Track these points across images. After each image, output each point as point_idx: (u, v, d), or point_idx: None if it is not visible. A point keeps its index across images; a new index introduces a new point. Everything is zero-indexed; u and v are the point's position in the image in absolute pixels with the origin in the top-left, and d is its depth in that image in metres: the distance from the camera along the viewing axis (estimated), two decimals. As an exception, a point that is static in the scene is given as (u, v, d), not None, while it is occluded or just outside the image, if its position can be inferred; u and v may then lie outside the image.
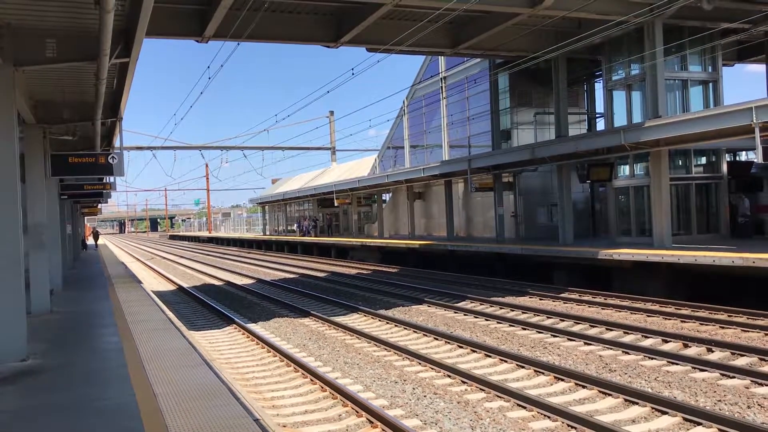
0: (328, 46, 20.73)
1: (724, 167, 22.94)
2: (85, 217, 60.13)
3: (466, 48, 22.49)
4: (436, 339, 12.96)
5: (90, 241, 62.66)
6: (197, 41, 18.73)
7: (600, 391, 8.78)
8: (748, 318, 13.56)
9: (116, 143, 19.29)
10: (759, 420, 7.54)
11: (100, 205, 43.73)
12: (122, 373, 7.59)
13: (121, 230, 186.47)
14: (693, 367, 9.85)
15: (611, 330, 13.11)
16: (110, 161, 12.69)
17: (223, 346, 13.30)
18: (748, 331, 12.46)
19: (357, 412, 8.16)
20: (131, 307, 13.74)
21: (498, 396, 8.74)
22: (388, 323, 15.13)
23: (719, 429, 7.13)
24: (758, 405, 8.05)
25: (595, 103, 29.44)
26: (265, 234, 64.04)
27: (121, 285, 19.29)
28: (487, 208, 30.37)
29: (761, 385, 8.82)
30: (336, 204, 43.72)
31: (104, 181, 20.62)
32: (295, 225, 53.58)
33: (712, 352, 10.94)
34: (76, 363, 8.34)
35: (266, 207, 65.59)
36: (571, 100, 26.95)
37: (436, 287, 21.10)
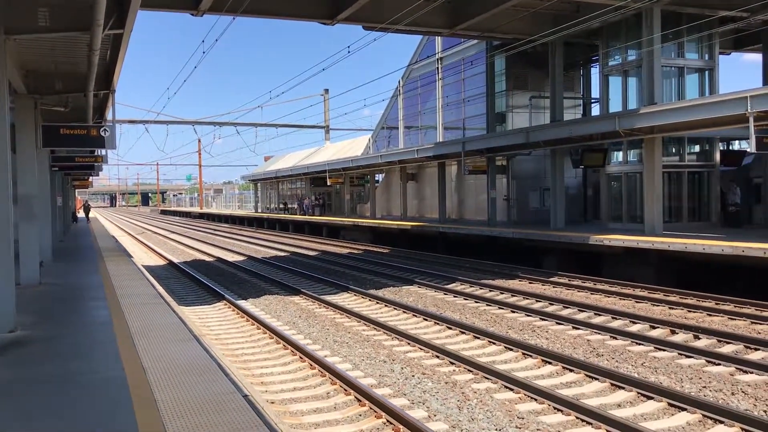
0: (324, 23, 20.57)
1: (717, 156, 23.01)
2: (76, 190, 59.84)
3: (464, 29, 22.35)
4: (426, 320, 13.01)
5: (81, 214, 62.40)
6: (192, 14, 18.54)
7: (587, 375, 8.84)
8: (735, 306, 13.67)
9: (108, 116, 19.14)
10: (743, 407, 7.62)
11: (91, 178, 43.57)
12: (111, 346, 7.58)
13: (112, 204, 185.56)
14: (679, 354, 9.93)
15: (600, 315, 13.19)
16: (102, 134, 12.57)
17: (213, 322, 13.32)
18: (735, 319, 12.56)
19: (345, 390, 8.20)
20: (121, 281, 13.70)
21: (485, 377, 8.79)
22: (378, 303, 15.17)
23: (703, 415, 7.20)
24: (742, 392, 8.13)
25: (591, 88, 29.43)
26: (256, 211, 63.92)
27: (112, 258, 19.23)
28: (480, 191, 30.40)
29: (746, 372, 8.90)
30: (329, 183, 43.62)
31: (96, 153, 20.53)
32: (296, 203, 52.40)
33: (699, 339, 11.03)
34: (64, 335, 8.33)
35: (258, 184, 65.39)
36: (566, 84, 26.91)
37: (426, 268, 21.15)
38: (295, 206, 51.67)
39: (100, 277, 14.48)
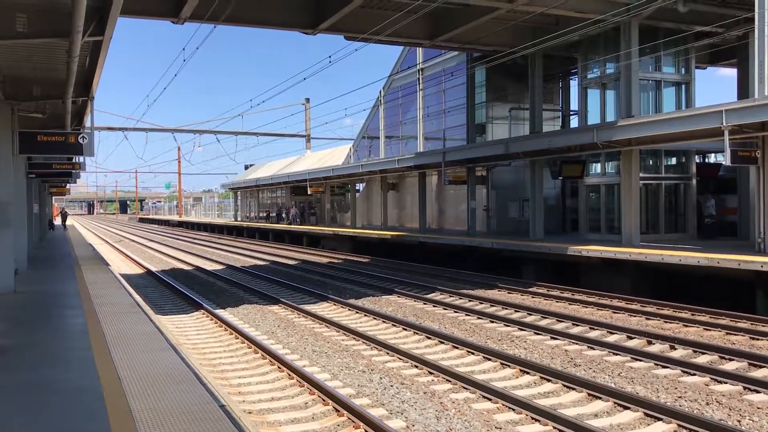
0: (306, 33, 20.60)
1: (694, 168, 23.32)
2: (53, 197, 59.15)
3: (444, 40, 22.50)
4: (405, 329, 13.01)
5: (58, 221, 61.66)
6: (173, 22, 18.46)
7: (564, 385, 8.90)
8: (710, 317, 13.83)
9: (87, 123, 18.96)
10: (717, 416, 7.71)
11: (68, 185, 43.08)
12: (87, 355, 7.50)
13: (90, 211, 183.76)
14: (656, 364, 10.02)
15: (577, 325, 13.28)
16: (80, 141, 12.48)
17: (191, 331, 13.21)
18: (710, 330, 12.71)
19: (323, 400, 8.17)
20: (98, 290, 13.56)
21: (464, 387, 8.81)
22: (357, 312, 15.15)
23: (679, 425, 7.27)
24: (717, 402, 8.23)
25: (570, 100, 29.72)
26: (236, 220, 63.58)
27: (88, 267, 19.03)
28: (460, 201, 30.51)
29: (720, 382, 9.00)
30: (309, 192, 43.53)
31: (74, 160, 20.31)
32: (282, 212, 51.43)
33: (675, 349, 11.14)
34: (39, 344, 8.22)
35: (238, 193, 65.09)
36: (546, 96, 27.15)
37: (406, 278, 21.16)
38: (282, 215, 50.41)
39: (77, 286, 14.32)
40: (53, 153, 14.72)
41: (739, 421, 7.58)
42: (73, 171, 24.51)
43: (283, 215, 49.87)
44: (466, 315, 14.70)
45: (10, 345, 8.21)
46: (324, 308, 15.90)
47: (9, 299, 12.10)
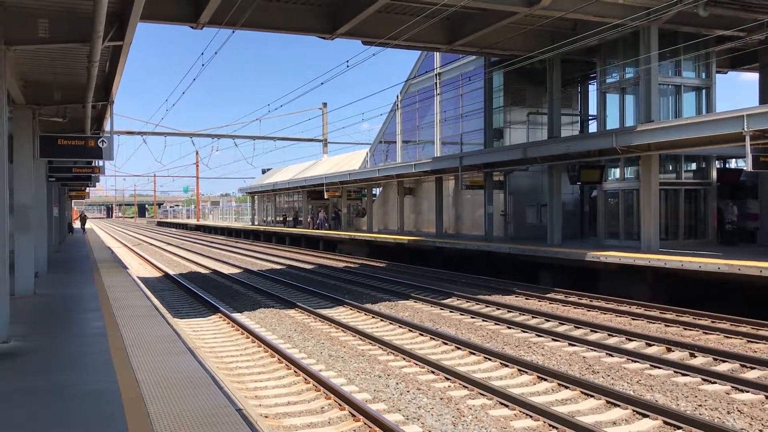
0: (323, 38, 20.66)
1: (714, 174, 23.07)
2: (73, 201, 59.76)
3: (462, 45, 22.47)
4: (422, 335, 12.97)
5: (77, 224, 62.27)
6: (192, 27, 18.61)
7: (582, 392, 8.81)
8: (731, 324, 13.65)
9: (106, 127, 19.13)
10: (738, 426, 7.59)
11: (87, 188, 43.50)
12: (105, 358, 7.54)
13: (109, 215, 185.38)
14: (675, 372, 9.90)
15: (596, 332, 13.16)
16: (100, 145, 12.57)
17: (208, 334, 13.26)
18: (731, 338, 12.54)
19: (340, 405, 8.16)
20: (116, 293, 13.66)
21: (481, 394, 8.75)
22: (373, 317, 15.13)
23: (699, 433, 7.17)
24: (738, 411, 8.10)
25: (589, 105, 29.54)
26: (253, 224, 63.83)
27: (107, 270, 19.18)
28: (477, 206, 30.41)
29: (742, 391, 8.87)
30: (326, 196, 43.60)
31: (93, 164, 20.51)
32: (299, 216, 51.28)
33: (695, 357, 11.00)
34: (58, 347, 8.28)
35: (255, 197, 65.35)
36: (564, 101, 27.01)
37: (423, 283, 21.11)
38: (299, 219, 50.15)
39: (95, 289, 14.43)
40: (73, 157, 14.88)
41: (761, 431, 7.46)
42: (93, 175, 24.78)
43: (301, 219, 49.82)
44: (483, 321, 14.62)
45: (30, 348, 8.28)
46: (340, 313, 15.89)
47: (29, 302, 12.22)
